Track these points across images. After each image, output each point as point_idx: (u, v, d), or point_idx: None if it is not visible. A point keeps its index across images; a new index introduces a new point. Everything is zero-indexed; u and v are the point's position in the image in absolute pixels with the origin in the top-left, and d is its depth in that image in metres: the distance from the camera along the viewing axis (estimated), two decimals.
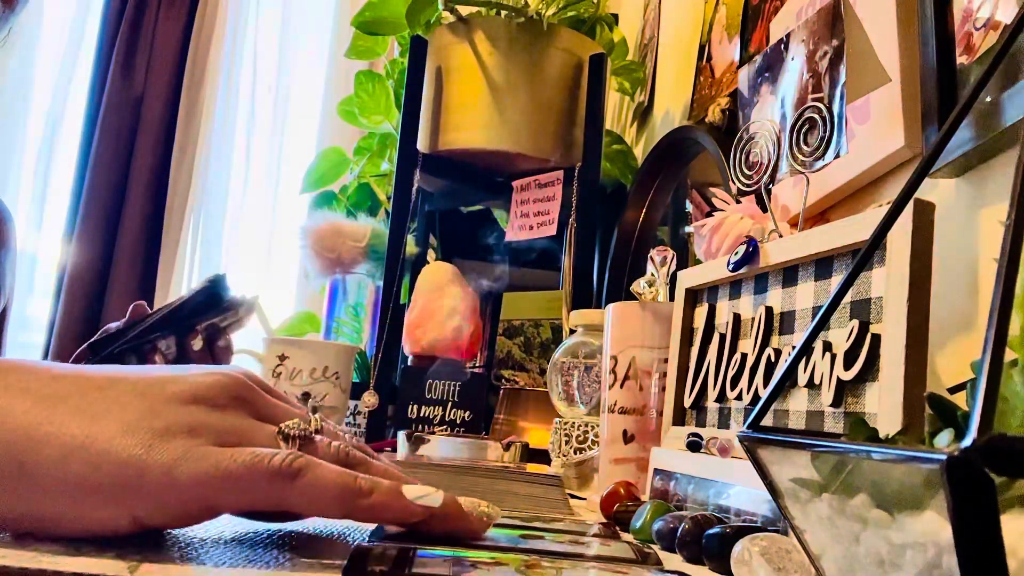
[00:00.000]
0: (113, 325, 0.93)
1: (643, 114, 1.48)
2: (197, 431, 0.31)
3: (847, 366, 0.46)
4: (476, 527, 0.37)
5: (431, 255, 1.47)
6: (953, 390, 0.34)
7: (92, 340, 0.90)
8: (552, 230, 1.18)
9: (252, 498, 0.31)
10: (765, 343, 0.55)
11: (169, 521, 0.32)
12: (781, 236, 0.57)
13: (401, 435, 0.77)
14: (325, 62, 2.62)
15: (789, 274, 0.54)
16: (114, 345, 0.88)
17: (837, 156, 0.55)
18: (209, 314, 0.91)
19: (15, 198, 2.36)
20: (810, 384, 0.49)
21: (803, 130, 0.57)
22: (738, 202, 0.71)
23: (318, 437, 0.35)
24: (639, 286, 0.71)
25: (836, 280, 0.50)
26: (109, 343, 0.88)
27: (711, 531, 0.40)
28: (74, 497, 0.30)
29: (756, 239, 0.57)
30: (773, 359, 0.54)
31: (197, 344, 0.90)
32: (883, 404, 0.43)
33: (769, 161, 0.59)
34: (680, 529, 0.42)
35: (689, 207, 1.19)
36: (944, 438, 0.26)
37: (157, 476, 0.30)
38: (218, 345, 0.93)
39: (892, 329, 0.43)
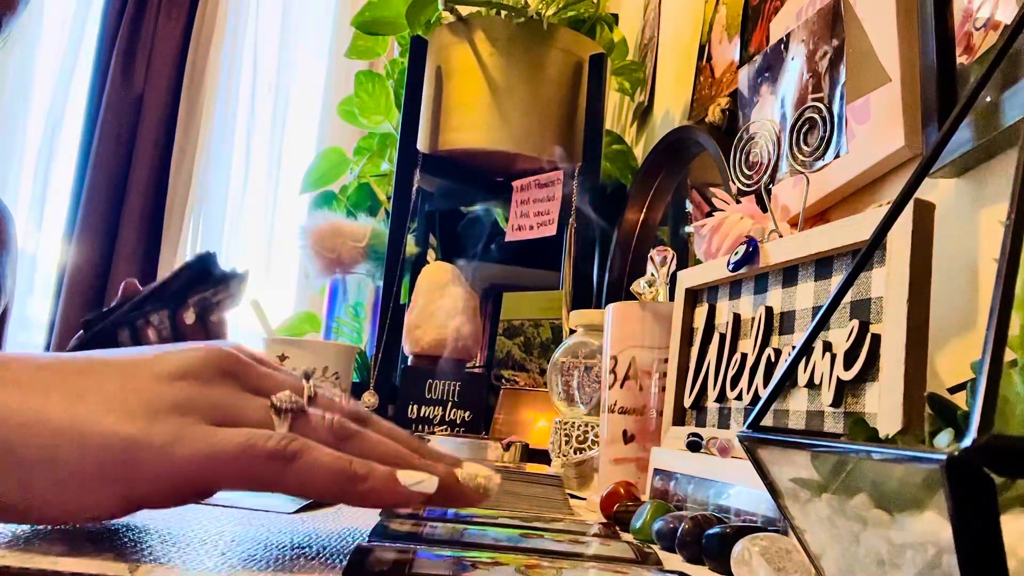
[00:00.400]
0: (105, 309, 0.94)
1: (643, 114, 1.48)
2: (188, 409, 0.31)
3: (847, 366, 0.46)
4: (473, 499, 0.36)
5: (431, 255, 1.47)
6: (953, 390, 0.34)
7: (85, 319, 0.91)
8: (552, 230, 1.18)
9: (247, 479, 0.32)
10: (765, 343, 0.55)
11: (163, 500, 0.32)
12: (781, 236, 0.57)
13: None
14: (325, 62, 2.62)
15: (789, 274, 0.54)
16: (106, 320, 0.88)
17: (837, 156, 0.55)
18: (200, 288, 0.91)
19: (15, 198, 2.37)
20: (810, 384, 0.49)
21: (803, 130, 0.57)
22: (738, 202, 0.71)
23: (312, 409, 0.35)
24: (639, 286, 0.71)
25: (836, 280, 0.50)
26: (101, 319, 0.89)
27: (711, 531, 0.40)
28: (67, 482, 0.30)
29: (756, 239, 0.57)
30: (773, 359, 0.54)
31: (190, 318, 0.90)
32: (883, 404, 0.43)
33: (769, 161, 0.59)
34: (680, 529, 0.42)
35: (689, 207, 1.19)
36: (944, 438, 0.26)
37: (152, 456, 0.30)
38: (211, 320, 0.93)
39: (892, 329, 0.43)
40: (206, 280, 0.91)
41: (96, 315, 0.90)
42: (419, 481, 0.34)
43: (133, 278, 0.97)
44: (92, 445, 0.30)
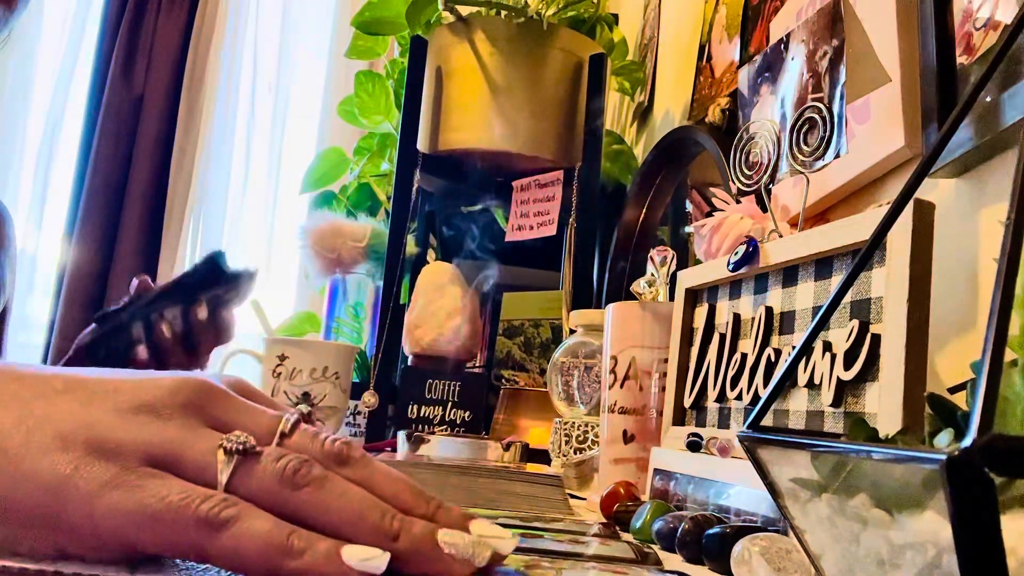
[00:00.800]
0: (116, 306, 0.96)
1: (643, 114, 1.48)
2: (130, 450, 0.29)
3: (847, 366, 0.46)
4: (451, 569, 0.31)
5: (431, 255, 1.47)
6: (953, 390, 0.34)
7: (98, 315, 0.93)
8: (552, 230, 1.18)
9: (173, 543, 0.28)
10: (765, 343, 0.55)
11: (88, 553, 0.29)
12: (781, 236, 0.57)
13: (401, 435, 0.77)
14: (325, 62, 2.62)
15: (789, 274, 0.54)
16: (121, 315, 0.90)
17: (837, 156, 0.55)
18: (212, 285, 0.93)
19: (15, 198, 2.37)
20: (810, 384, 0.49)
21: (803, 130, 0.57)
22: (738, 202, 0.71)
23: (267, 449, 0.31)
24: (639, 286, 0.72)
25: (836, 280, 0.50)
26: (115, 315, 0.91)
27: (711, 531, 0.40)
28: (3, 515, 0.28)
29: (756, 239, 0.57)
30: (773, 359, 0.54)
31: (202, 313, 0.93)
32: (883, 404, 0.43)
33: (769, 161, 0.59)
34: (680, 529, 0.42)
35: (689, 207, 1.19)
36: (944, 438, 0.26)
37: (76, 502, 0.28)
38: (222, 315, 0.95)
39: (892, 329, 0.43)
40: (218, 278, 0.94)
41: (109, 311, 0.92)
42: (369, 557, 0.29)
43: (144, 274, 1.00)
44: (28, 480, 0.28)
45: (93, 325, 0.93)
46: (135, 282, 0.95)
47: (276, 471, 0.30)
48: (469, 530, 0.32)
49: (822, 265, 0.51)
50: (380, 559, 0.29)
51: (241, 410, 0.33)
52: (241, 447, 0.30)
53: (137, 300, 0.92)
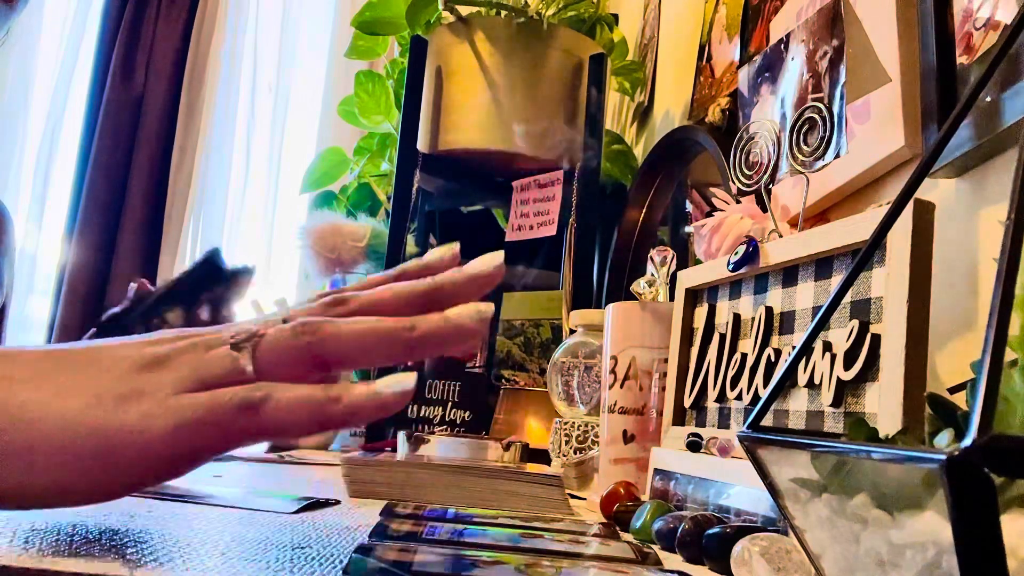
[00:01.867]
0: (117, 309, 0.97)
1: (643, 114, 1.48)
2: (157, 388, 0.32)
3: (847, 366, 0.46)
4: (465, 333, 0.34)
5: None
6: (953, 390, 0.34)
7: (100, 322, 0.93)
8: (552, 230, 1.18)
9: (226, 437, 0.31)
10: (765, 343, 0.55)
11: (155, 478, 0.32)
12: (781, 236, 0.57)
13: (401, 435, 0.77)
14: (325, 62, 2.62)
15: (789, 274, 0.54)
16: (124, 320, 0.91)
17: (837, 156, 0.55)
18: (212, 285, 0.95)
19: (15, 198, 2.37)
20: (810, 384, 0.49)
21: (803, 130, 0.57)
22: (738, 202, 0.71)
23: (271, 330, 0.33)
24: (639, 286, 0.72)
25: (836, 280, 0.50)
26: (118, 320, 0.92)
27: (711, 531, 0.40)
28: (65, 469, 0.30)
29: (756, 239, 0.57)
30: (773, 359, 0.54)
31: (204, 315, 0.95)
32: (883, 404, 0.43)
33: (769, 161, 0.59)
34: (680, 529, 0.42)
35: (689, 207, 1.19)
36: (944, 438, 0.26)
37: (129, 440, 0.30)
38: (222, 314, 0.98)
39: (892, 329, 0.43)
40: (217, 277, 0.95)
41: (109, 316, 0.93)
42: (398, 382, 0.32)
43: (143, 278, 1.01)
44: (80, 435, 0.30)
45: (94, 329, 0.94)
46: (133, 285, 0.96)
47: (287, 333, 0.33)
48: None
49: (822, 265, 0.51)
50: (409, 378, 0.32)
51: (227, 328, 0.35)
52: (246, 335, 0.33)
53: (138, 303, 0.93)
